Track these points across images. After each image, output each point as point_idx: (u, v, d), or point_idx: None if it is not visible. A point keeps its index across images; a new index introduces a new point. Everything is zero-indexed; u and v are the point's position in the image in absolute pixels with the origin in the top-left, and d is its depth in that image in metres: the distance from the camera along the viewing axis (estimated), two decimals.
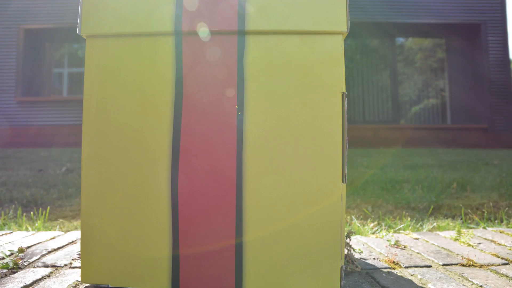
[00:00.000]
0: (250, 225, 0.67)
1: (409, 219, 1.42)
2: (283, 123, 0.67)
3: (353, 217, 1.47)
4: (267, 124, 0.68)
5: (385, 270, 0.85)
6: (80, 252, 0.86)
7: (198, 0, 0.69)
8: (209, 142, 0.68)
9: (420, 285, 0.76)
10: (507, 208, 1.58)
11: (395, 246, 1.04)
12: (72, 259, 0.89)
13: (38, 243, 1.03)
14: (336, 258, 0.66)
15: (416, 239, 1.13)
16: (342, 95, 0.67)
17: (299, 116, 0.67)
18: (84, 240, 0.70)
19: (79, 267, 0.85)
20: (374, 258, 0.93)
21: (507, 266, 0.87)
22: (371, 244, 1.06)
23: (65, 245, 1.02)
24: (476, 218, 1.44)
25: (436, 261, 0.91)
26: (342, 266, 0.66)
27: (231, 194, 0.67)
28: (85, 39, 0.72)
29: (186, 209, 0.68)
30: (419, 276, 0.81)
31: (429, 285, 0.76)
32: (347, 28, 0.68)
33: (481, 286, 0.74)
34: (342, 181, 0.67)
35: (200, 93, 0.69)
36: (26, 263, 0.86)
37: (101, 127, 0.70)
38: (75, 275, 0.80)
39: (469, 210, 1.59)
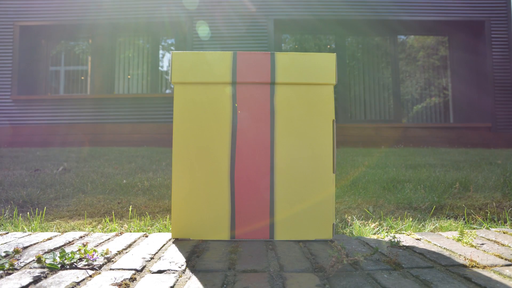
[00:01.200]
0: (279, 189, 1.10)
1: (410, 219, 1.41)
2: (299, 137, 1.12)
3: (354, 217, 1.46)
4: (289, 137, 1.12)
5: (387, 271, 0.83)
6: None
7: (246, 61, 1.13)
8: (253, 147, 1.11)
9: (422, 286, 0.74)
10: (510, 209, 1.56)
11: (397, 246, 1.03)
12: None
13: (34, 244, 1.02)
14: (330, 218, 1.10)
15: (418, 239, 1.11)
16: (333, 121, 1.12)
17: (308, 133, 1.12)
18: (174, 208, 1.10)
19: (77, 268, 0.83)
20: (375, 259, 0.92)
21: (511, 267, 0.85)
22: (372, 245, 1.05)
23: (62, 245, 1.01)
24: (479, 219, 1.42)
25: (438, 261, 0.89)
26: (333, 223, 1.10)
27: (266, 177, 1.11)
28: (173, 85, 1.14)
29: (239, 190, 1.10)
30: (420, 277, 0.79)
31: (431, 286, 0.74)
32: (335, 81, 1.12)
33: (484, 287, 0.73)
34: (333, 172, 1.11)
35: (247, 118, 1.12)
36: (22, 264, 0.85)
37: (186, 137, 1.11)
38: (72, 276, 0.79)
39: (472, 210, 1.57)
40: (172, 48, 6.89)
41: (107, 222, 1.37)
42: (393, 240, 1.05)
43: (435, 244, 1.05)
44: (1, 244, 1.03)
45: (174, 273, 0.82)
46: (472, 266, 0.86)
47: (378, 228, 1.27)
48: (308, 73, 1.12)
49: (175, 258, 0.92)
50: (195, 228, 1.09)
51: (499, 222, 1.39)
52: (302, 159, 1.11)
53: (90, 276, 0.79)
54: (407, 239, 1.12)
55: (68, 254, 0.88)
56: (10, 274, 0.79)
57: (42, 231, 1.22)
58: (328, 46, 6.92)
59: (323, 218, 1.09)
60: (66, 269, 0.83)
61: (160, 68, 6.76)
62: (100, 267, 0.85)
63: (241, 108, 1.12)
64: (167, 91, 6.53)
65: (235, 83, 1.12)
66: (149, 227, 1.30)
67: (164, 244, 1.04)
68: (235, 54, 1.12)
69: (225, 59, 1.12)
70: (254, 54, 1.12)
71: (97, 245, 1.02)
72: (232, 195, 1.10)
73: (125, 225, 1.33)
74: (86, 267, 0.84)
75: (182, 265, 0.87)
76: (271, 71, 1.12)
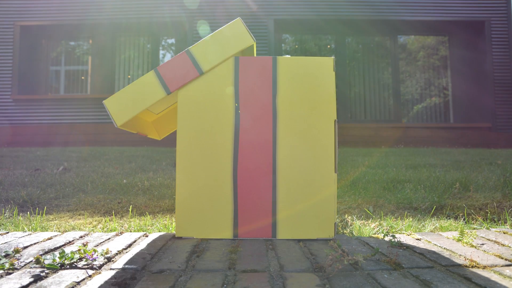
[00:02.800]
0: (281, 189, 1.11)
1: (411, 219, 1.41)
2: (301, 137, 1.12)
3: (354, 217, 1.46)
4: (291, 137, 1.12)
5: (387, 271, 0.83)
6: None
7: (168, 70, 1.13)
8: (256, 146, 1.12)
9: (422, 286, 0.74)
10: (511, 209, 1.56)
11: (397, 246, 1.03)
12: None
13: (34, 244, 1.02)
14: (332, 217, 1.11)
15: (418, 239, 1.11)
16: (335, 121, 1.12)
17: (310, 133, 1.12)
18: (178, 208, 1.11)
19: (77, 268, 0.83)
20: (375, 259, 0.92)
21: (511, 267, 0.85)
22: (373, 245, 1.05)
23: (62, 245, 1.01)
24: (479, 219, 1.42)
25: (438, 262, 0.89)
26: (335, 223, 1.11)
27: (269, 176, 1.11)
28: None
29: (242, 189, 1.11)
30: (421, 277, 0.79)
31: (431, 286, 0.74)
32: (253, 39, 1.14)
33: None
34: (335, 172, 1.12)
35: (250, 117, 1.12)
36: (22, 264, 0.85)
37: (189, 137, 1.12)
38: (72, 275, 0.79)
39: (472, 211, 1.57)
40: (172, 48, 6.89)
41: (107, 222, 1.37)
42: (393, 240, 1.05)
43: (435, 244, 1.05)
44: (2, 243, 1.03)
45: (174, 273, 0.82)
46: (472, 266, 0.86)
47: (378, 228, 1.27)
48: (223, 48, 1.12)
49: (175, 258, 0.92)
50: (198, 227, 1.11)
51: (499, 222, 1.39)
52: (304, 158, 1.11)
53: (90, 276, 0.79)
54: (407, 239, 1.12)
55: (68, 254, 0.88)
56: (10, 273, 0.79)
57: (42, 231, 1.22)
58: (328, 46, 6.92)
59: (325, 217, 1.10)
60: (66, 268, 0.83)
61: None
62: (100, 266, 0.85)
63: (243, 108, 1.13)
64: None
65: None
66: (149, 227, 1.30)
67: (164, 244, 1.05)
68: (157, 71, 1.11)
69: (155, 87, 1.11)
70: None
71: (97, 245, 1.02)
72: (235, 194, 1.11)
73: (125, 225, 1.33)
74: (86, 266, 0.84)
75: (182, 265, 0.87)
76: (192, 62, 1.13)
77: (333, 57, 1.15)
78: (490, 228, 1.26)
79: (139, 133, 1.30)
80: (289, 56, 1.15)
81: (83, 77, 6.78)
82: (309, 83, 1.13)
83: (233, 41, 1.13)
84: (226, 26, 1.13)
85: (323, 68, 1.13)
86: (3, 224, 1.30)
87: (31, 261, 0.87)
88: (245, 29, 1.13)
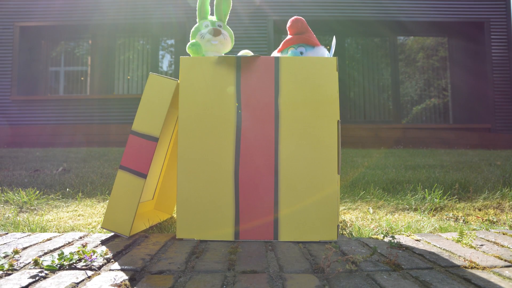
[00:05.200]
0: (283, 190, 1.09)
1: (410, 220, 1.41)
2: (303, 138, 1.10)
3: (353, 218, 1.46)
4: (293, 138, 1.10)
5: (386, 272, 0.83)
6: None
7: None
8: (258, 147, 1.10)
9: (422, 287, 0.74)
10: (510, 210, 1.56)
11: (396, 247, 1.03)
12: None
13: (34, 245, 1.02)
14: (335, 219, 1.09)
15: (417, 240, 1.11)
16: (338, 122, 1.10)
17: (313, 134, 1.10)
18: (178, 209, 1.10)
19: (76, 269, 0.83)
20: (375, 260, 0.92)
21: (510, 268, 0.85)
22: (372, 246, 1.05)
23: (61, 246, 1.01)
24: (479, 220, 1.43)
25: (437, 263, 0.89)
26: (338, 225, 1.09)
27: (271, 177, 1.10)
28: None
29: (243, 190, 1.10)
30: (420, 278, 0.79)
31: (431, 287, 0.74)
32: (174, 80, 1.12)
33: None
34: (338, 173, 1.10)
35: (252, 118, 1.11)
36: (21, 265, 0.85)
37: (190, 138, 1.11)
38: (72, 276, 0.79)
39: (471, 211, 1.57)
40: (171, 49, 6.89)
41: None
42: (392, 241, 1.05)
43: (434, 245, 1.05)
44: (1, 244, 1.03)
45: (173, 274, 0.82)
46: (471, 267, 0.86)
47: (377, 229, 1.27)
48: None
49: (175, 258, 0.92)
50: (199, 229, 1.09)
51: (499, 223, 1.39)
52: (307, 159, 1.10)
53: (89, 277, 0.79)
54: (406, 240, 1.12)
55: (67, 255, 0.87)
56: (9, 274, 0.79)
57: (41, 232, 1.22)
58: (328, 47, 6.92)
59: (328, 220, 1.08)
60: (66, 269, 0.83)
61: (160, 68, 6.76)
62: (100, 267, 0.85)
63: (245, 108, 1.11)
64: None
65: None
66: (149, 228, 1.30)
67: (164, 245, 1.04)
68: (123, 167, 1.13)
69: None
70: None
71: (97, 246, 1.02)
72: (237, 196, 1.10)
73: None
74: (85, 267, 0.84)
75: (181, 266, 0.87)
76: None
77: (336, 57, 1.13)
78: (490, 229, 1.26)
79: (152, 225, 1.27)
80: (293, 55, 1.11)
81: (82, 78, 6.78)
82: (312, 83, 1.11)
83: (160, 94, 1.12)
84: (145, 87, 1.13)
85: (326, 68, 1.11)
86: (2, 225, 1.29)
87: (31, 262, 0.87)
88: (161, 78, 1.12)
